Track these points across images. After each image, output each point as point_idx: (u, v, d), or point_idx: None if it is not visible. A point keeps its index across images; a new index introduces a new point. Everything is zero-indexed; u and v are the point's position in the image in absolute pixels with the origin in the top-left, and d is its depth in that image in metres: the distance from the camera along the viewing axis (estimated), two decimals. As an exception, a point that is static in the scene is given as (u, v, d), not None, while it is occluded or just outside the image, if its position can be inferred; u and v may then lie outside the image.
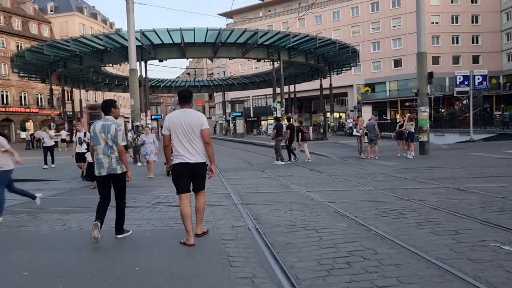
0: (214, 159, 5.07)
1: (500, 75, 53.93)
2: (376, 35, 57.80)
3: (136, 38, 22.68)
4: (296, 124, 16.71)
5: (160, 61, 30.78)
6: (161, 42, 28.95)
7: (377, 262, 4.03)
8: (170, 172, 5.16)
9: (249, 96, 65.50)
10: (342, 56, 36.07)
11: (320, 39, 30.79)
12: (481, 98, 40.76)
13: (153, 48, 29.44)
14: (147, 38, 27.56)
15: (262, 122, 63.12)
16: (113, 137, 5.13)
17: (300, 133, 15.62)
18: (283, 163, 14.94)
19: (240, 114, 49.87)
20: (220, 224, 5.89)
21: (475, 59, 55.65)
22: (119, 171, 5.16)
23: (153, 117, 38.59)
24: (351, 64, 41.25)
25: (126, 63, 25.52)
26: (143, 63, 29.49)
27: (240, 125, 48.13)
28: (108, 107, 5.34)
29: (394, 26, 56.54)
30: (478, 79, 23.59)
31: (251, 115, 67.30)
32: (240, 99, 56.84)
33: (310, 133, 28.51)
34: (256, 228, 5.53)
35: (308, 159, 15.31)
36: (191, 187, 5.01)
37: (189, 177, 4.92)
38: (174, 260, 4.38)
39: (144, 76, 29.30)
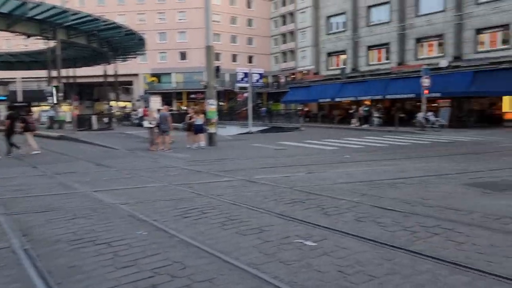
0: None
1: (269, 75, 61.41)
2: (162, 25, 57.59)
3: None
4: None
5: None
6: None
7: (188, 279, 3.45)
8: None
9: (15, 78, 55.95)
10: (129, 42, 34.36)
11: (105, 21, 28.43)
12: (255, 94, 45.58)
13: None
14: None
15: (34, 109, 54.93)
16: None
17: (24, 123, 14.37)
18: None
19: (4, 98, 42.03)
20: (-31, 249, 4.29)
21: (250, 59, 61.96)
22: None
23: None
24: (138, 52, 39.84)
25: None
26: None
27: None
28: None
29: (180, 19, 57.51)
30: (256, 76, 25.99)
31: (20, 99, 57.75)
32: (4, 80, 47.96)
33: (36, 123, 26.36)
34: (26, 249, 4.21)
35: (36, 152, 14.24)
36: None
37: None
38: None
39: None
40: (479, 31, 27.04)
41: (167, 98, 55.99)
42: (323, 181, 8.12)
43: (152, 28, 56.36)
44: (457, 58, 27.70)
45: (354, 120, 29.62)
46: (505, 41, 26.03)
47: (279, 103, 50.13)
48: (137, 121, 31.66)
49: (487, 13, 26.27)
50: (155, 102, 32.29)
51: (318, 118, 36.89)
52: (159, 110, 17.45)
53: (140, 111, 32.35)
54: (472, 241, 4.27)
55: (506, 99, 26.27)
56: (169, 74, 58.31)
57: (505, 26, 25.79)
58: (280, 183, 7.95)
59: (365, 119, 29.00)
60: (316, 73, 39.07)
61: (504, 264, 3.64)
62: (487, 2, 26.34)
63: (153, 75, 58.12)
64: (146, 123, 17.06)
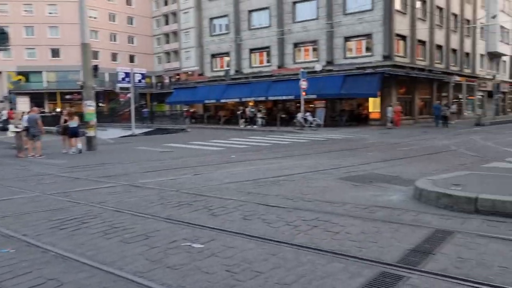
0: None
1: (152, 75, 59.69)
2: (29, 18, 52.09)
3: None
4: None
5: None
6: None
7: (66, 297, 3.16)
8: None
9: None
10: (-13, 35, 30.27)
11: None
12: (138, 95, 43.84)
13: None
14: None
15: None
16: None
17: None
18: None
19: None
20: None
21: (132, 58, 59.47)
22: None
23: None
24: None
25: None
26: None
27: None
28: None
29: (50, 13, 52.69)
30: (138, 76, 25.04)
31: None
32: None
33: None
34: None
35: None
36: None
37: None
38: None
39: None
40: (347, 38, 29.90)
41: (38, 99, 50.78)
42: (210, 182, 8.15)
43: (16, 20, 50.59)
44: (329, 62, 30.23)
45: (242, 121, 30.36)
46: (368, 49, 29.20)
47: (164, 104, 49.07)
48: (0, 125, 28.15)
49: (353, 23, 29.18)
50: (23, 104, 29.06)
51: (204, 119, 37.04)
52: (28, 112, 15.78)
53: (4, 114, 28.86)
54: (345, 230, 4.69)
55: (371, 100, 29.46)
56: (39, 72, 53.03)
57: (368, 35, 28.93)
58: (166, 186, 7.77)
59: (251, 119, 29.95)
60: (201, 74, 39.17)
61: (373, 249, 4.06)
62: (352, 13, 29.24)
63: (20, 73, 52.27)
64: (12, 127, 15.26)
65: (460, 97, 38.82)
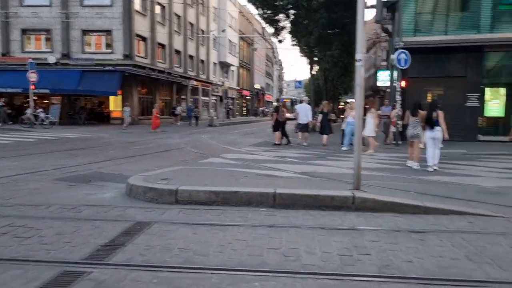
0: None
1: None
2: None
3: None
4: None
5: None
6: None
7: None
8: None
9: None
10: None
11: None
12: None
13: None
14: None
15: None
16: None
17: None
18: None
19: None
20: None
21: None
22: None
23: None
24: None
25: None
26: None
27: None
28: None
29: None
30: None
31: None
32: None
33: None
34: None
35: None
36: None
37: None
38: None
39: None
40: (85, 32, 28.45)
41: None
42: None
43: None
44: (65, 55, 28.08)
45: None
46: (109, 45, 28.57)
47: None
48: None
49: (92, 16, 27.99)
50: None
51: None
52: None
53: None
54: (40, 234, 4.35)
55: (111, 99, 28.96)
56: None
57: (108, 32, 28.29)
58: None
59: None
60: None
61: (64, 249, 3.89)
62: (91, 5, 28.02)
63: None
64: None
65: (198, 100, 42.78)
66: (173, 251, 3.92)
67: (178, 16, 37.37)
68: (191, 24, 40.77)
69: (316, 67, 32.90)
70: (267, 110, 65.52)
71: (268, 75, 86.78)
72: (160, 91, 34.00)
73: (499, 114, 17.66)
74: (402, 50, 15.60)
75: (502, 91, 17.67)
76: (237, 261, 3.67)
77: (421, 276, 3.37)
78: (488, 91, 17.72)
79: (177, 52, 37.45)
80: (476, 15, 17.28)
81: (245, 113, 64.12)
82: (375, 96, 43.13)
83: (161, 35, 33.35)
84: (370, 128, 13.03)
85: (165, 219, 5.07)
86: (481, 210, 5.46)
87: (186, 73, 38.99)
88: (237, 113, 58.25)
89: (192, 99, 40.39)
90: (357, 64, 5.92)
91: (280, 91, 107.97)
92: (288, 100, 49.48)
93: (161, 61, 33.89)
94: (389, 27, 22.34)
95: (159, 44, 33.35)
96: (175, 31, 36.38)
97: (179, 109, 32.97)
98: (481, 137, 17.26)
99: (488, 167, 10.11)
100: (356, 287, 3.17)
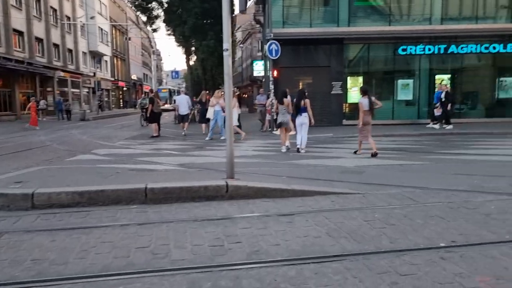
0: None
1: None
2: None
3: None
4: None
5: None
6: None
7: None
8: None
9: None
10: None
11: None
12: None
13: None
14: None
15: None
16: None
17: None
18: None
19: None
20: None
21: None
22: None
23: None
24: None
25: None
26: None
27: None
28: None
29: None
30: None
31: None
32: None
33: None
34: None
35: None
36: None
37: None
38: None
39: None
40: None
41: None
42: None
43: None
44: None
45: None
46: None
47: None
48: None
49: None
50: None
51: None
52: None
53: None
54: None
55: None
56: None
57: None
58: None
59: None
60: None
61: None
62: None
63: None
64: None
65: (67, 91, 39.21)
66: (24, 263, 3.47)
67: (38, 1, 33.60)
68: (54, 10, 36.99)
69: (194, 57, 32.61)
70: (144, 101, 62.94)
71: (146, 65, 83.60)
72: (19, 83, 30.30)
73: (357, 101, 19.58)
74: (273, 41, 16.29)
75: (360, 79, 19.64)
76: (101, 266, 3.39)
77: (286, 258, 3.51)
78: (349, 80, 19.54)
79: (39, 40, 33.71)
80: (336, 9, 18.86)
81: (122, 105, 60.93)
82: (253, 85, 44.59)
83: (18, 21, 29.62)
84: (235, 117, 13.40)
85: (18, 227, 4.48)
86: (342, 189, 5.95)
87: (51, 63, 35.36)
88: (113, 106, 55.05)
89: (58, 92, 36.88)
90: (224, 53, 5.93)
91: (160, 82, 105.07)
92: (166, 90, 48.37)
93: (19, 50, 30.15)
94: (261, 18, 23.15)
95: (15, 30, 29.59)
96: (35, 16, 32.64)
97: (42, 103, 29.86)
98: (345, 122, 18.98)
99: (350, 149, 11.13)
100: (225, 277, 3.16)
